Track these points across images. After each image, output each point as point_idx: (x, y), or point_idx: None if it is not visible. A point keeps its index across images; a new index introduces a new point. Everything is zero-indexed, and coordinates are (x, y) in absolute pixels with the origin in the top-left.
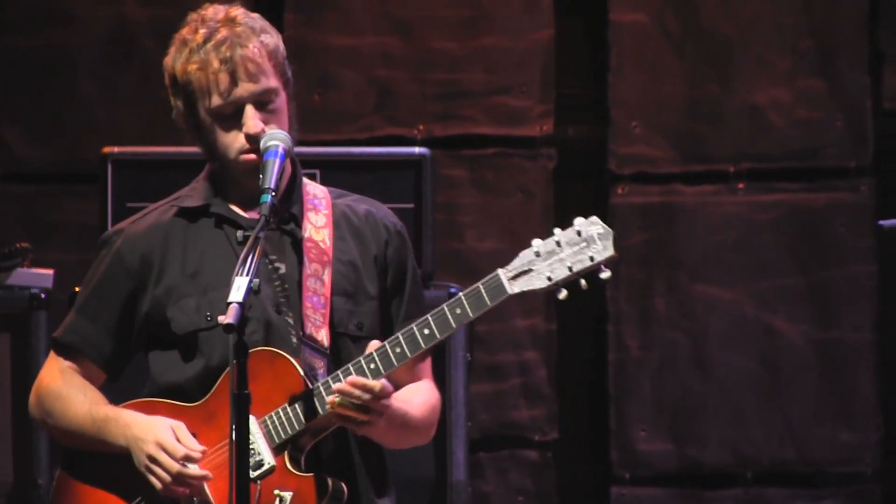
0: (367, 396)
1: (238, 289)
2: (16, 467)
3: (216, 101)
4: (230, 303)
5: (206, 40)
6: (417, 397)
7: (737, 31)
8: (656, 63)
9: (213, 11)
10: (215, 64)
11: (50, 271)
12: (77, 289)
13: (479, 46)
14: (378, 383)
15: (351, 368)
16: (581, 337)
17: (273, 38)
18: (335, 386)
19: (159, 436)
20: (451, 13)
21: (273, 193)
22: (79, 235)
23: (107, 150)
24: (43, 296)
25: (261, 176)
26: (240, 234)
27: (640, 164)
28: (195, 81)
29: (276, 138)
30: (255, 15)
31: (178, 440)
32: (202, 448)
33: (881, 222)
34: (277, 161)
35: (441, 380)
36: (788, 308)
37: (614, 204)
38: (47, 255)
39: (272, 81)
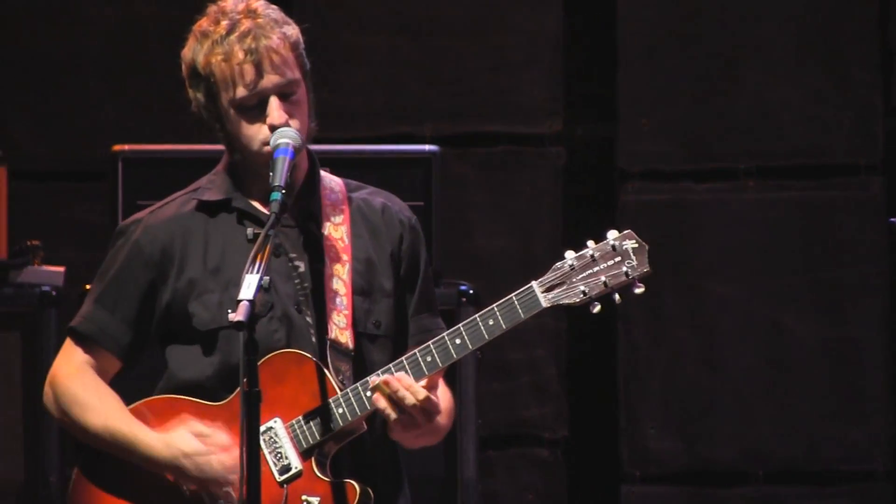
0: (411, 400)
1: (248, 286)
2: (27, 465)
3: (240, 92)
4: (240, 300)
5: (229, 31)
6: (443, 401)
7: (746, 28)
8: (666, 61)
9: (234, 3)
10: (239, 55)
11: (60, 269)
12: (87, 287)
13: (488, 44)
14: (425, 393)
15: (392, 369)
16: (590, 335)
17: (294, 30)
18: (383, 377)
19: (185, 447)
20: (460, 11)
21: (283, 191)
22: (89, 233)
23: (117, 148)
24: (54, 293)
25: (271, 174)
26: (250, 231)
27: (650, 161)
28: (218, 73)
29: (286, 136)
30: (274, 7)
31: (203, 443)
32: (227, 443)
33: (892, 220)
34: (287, 158)
35: (451, 378)
36: (798, 306)
37: (623, 202)
38: (57, 253)
39: (295, 73)
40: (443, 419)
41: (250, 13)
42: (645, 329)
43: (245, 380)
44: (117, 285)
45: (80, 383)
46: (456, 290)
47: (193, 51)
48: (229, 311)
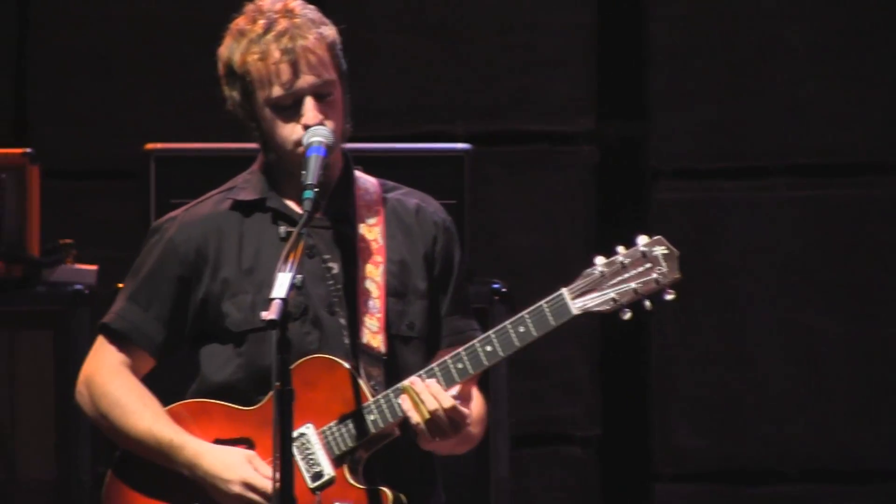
0: (434, 405)
1: (281, 285)
2: (59, 465)
3: (276, 91)
4: (272, 298)
5: (266, 30)
6: (475, 410)
7: (777, 26)
8: (697, 58)
9: (271, 2)
10: (276, 54)
11: (93, 268)
12: (120, 285)
13: (520, 42)
14: (452, 401)
15: (424, 376)
16: (622, 333)
17: (331, 30)
18: (410, 380)
19: (243, 474)
20: (491, 8)
21: (316, 189)
22: (121, 232)
23: (149, 146)
24: (86, 292)
25: (303, 172)
26: (282, 230)
27: (681, 160)
28: (254, 72)
29: (319, 135)
30: (312, 7)
31: (257, 471)
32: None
33: None
34: (320, 157)
35: (483, 377)
36: (828, 304)
37: (655, 200)
38: (90, 252)
39: (331, 74)
40: (475, 428)
41: (287, 13)
42: (676, 327)
43: (278, 379)
44: (151, 283)
45: (119, 385)
46: (488, 289)
47: (230, 49)
48: (263, 313)
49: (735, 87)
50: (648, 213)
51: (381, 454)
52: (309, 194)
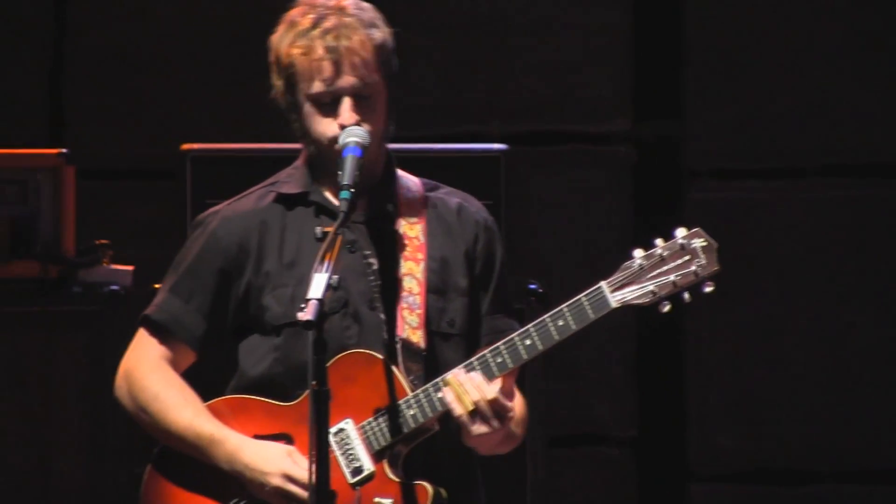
0: (477, 395)
1: (317, 285)
2: (93, 465)
3: (316, 87)
4: (309, 299)
5: (314, 26)
6: (517, 409)
7: (813, 25)
8: (733, 58)
9: None
10: (320, 51)
11: (129, 268)
12: (156, 286)
13: (556, 42)
14: (495, 392)
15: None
16: (659, 333)
17: (380, 33)
18: (452, 372)
19: (283, 467)
20: (528, 8)
21: (352, 190)
22: (157, 232)
23: (186, 146)
24: (122, 293)
25: (339, 173)
26: (318, 230)
27: (717, 159)
28: (298, 65)
29: (355, 135)
30: (367, 5)
31: (297, 464)
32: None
33: None
34: (355, 157)
35: (519, 378)
36: (864, 304)
37: (690, 199)
38: (126, 252)
39: (374, 76)
40: (517, 428)
41: (339, 10)
42: (712, 328)
43: (314, 379)
44: (192, 275)
45: (159, 379)
46: (524, 289)
47: (280, 39)
48: (303, 306)
49: (770, 86)
50: (684, 213)
51: (421, 449)
52: (345, 195)
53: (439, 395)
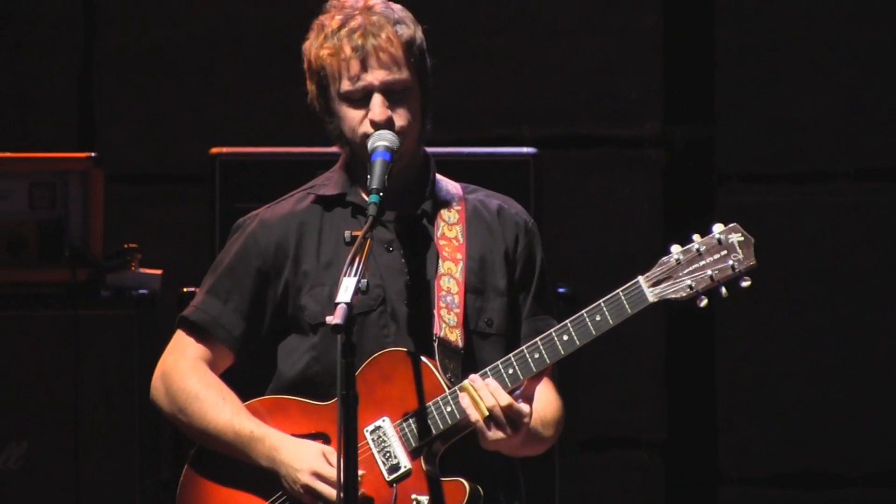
0: (492, 401)
1: (346, 289)
2: (118, 471)
3: (346, 85)
4: (338, 303)
5: (341, 27)
6: (550, 412)
7: (843, 29)
8: (764, 62)
9: None
10: (347, 51)
11: (158, 272)
12: (185, 290)
13: (587, 45)
14: (509, 399)
15: (489, 373)
16: (688, 337)
17: (409, 30)
18: (470, 377)
19: (314, 465)
20: (557, 12)
21: (380, 194)
22: (186, 236)
23: (214, 151)
24: (151, 297)
25: (368, 177)
26: (347, 234)
27: (748, 163)
28: (327, 67)
29: (384, 139)
30: (396, 5)
31: (330, 464)
32: (359, 472)
33: None
34: (384, 161)
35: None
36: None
37: (721, 203)
38: (155, 256)
39: (403, 72)
40: (547, 430)
41: (366, 10)
42: (742, 331)
43: (342, 383)
44: (231, 276)
45: (198, 380)
46: (554, 293)
47: (310, 43)
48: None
49: (800, 90)
50: (714, 216)
51: (459, 447)
52: (374, 198)
53: (458, 398)
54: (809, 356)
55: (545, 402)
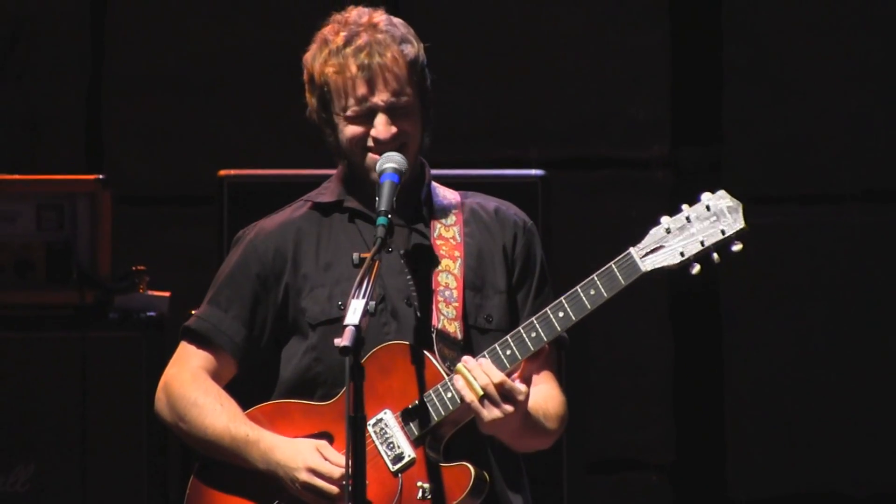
0: (485, 380)
1: (354, 311)
2: (127, 492)
3: (350, 104)
4: (346, 325)
5: (346, 44)
6: (552, 406)
7: (853, 49)
8: (771, 84)
9: (357, 14)
10: (353, 69)
11: (166, 294)
12: (193, 312)
13: (594, 66)
14: (502, 376)
15: (486, 354)
16: (697, 359)
17: (413, 48)
18: (463, 359)
19: (309, 461)
20: (565, 33)
21: (389, 216)
22: (195, 258)
23: (222, 173)
24: (159, 319)
25: (377, 199)
26: (356, 256)
27: (756, 184)
28: (332, 83)
29: (393, 161)
30: (399, 21)
31: (326, 459)
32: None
33: None
34: (393, 184)
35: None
36: None
37: None
38: (162, 278)
39: (407, 91)
40: (550, 422)
41: (371, 27)
42: (751, 352)
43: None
44: (231, 284)
45: (197, 387)
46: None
47: (313, 57)
48: (340, 303)
49: (809, 112)
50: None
51: (462, 434)
52: (383, 220)
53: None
54: (818, 377)
55: (547, 396)
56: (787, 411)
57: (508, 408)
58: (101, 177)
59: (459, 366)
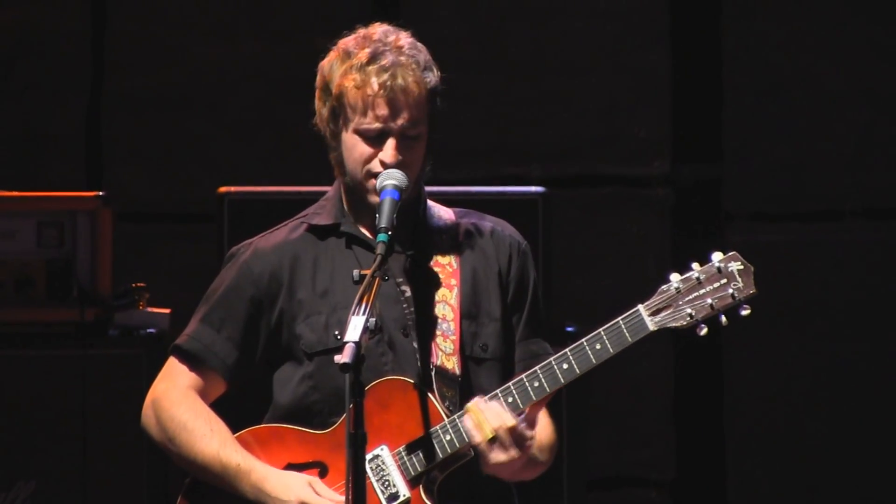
0: (497, 423)
1: (354, 328)
2: None
3: (366, 122)
4: (346, 342)
5: (370, 61)
6: (545, 437)
7: (851, 67)
8: (771, 102)
9: (383, 33)
10: (374, 87)
11: (166, 311)
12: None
13: (595, 86)
14: (514, 420)
15: (499, 394)
16: (698, 377)
17: (433, 77)
18: (474, 400)
19: (301, 495)
20: (566, 52)
21: (389, 232)
22: (195, 275)
23: (223, 189)
24: (159, 336)
25: (377, 216)
26: (356, 273)
27: (757, 202)
28: (349, 97)
29: (393, 178)
30: (422, 46)
31: (317, 494)
32: (341, 499)
33: None
34: (393, 200)
35: (559, 420)
36: None
37: (730, 242)
38: (162, 295)
39: (421, 119)
40: (543, 454)
41: (397, 49)
42: (752, 371)
43: (352, 422)
44: (224, 305)
45: (187, 409)
46: (562, 332)
47: (332, 67)
48: (336, 332)
49: (809, 129)
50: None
51: (457, 475)
52: (383, 237)
53: (461, 420)
54: (818, 394)
55: (540, 427)
56: (788, 429)
57: (515, 453)
58: (101, 194)
59: (471, 406)
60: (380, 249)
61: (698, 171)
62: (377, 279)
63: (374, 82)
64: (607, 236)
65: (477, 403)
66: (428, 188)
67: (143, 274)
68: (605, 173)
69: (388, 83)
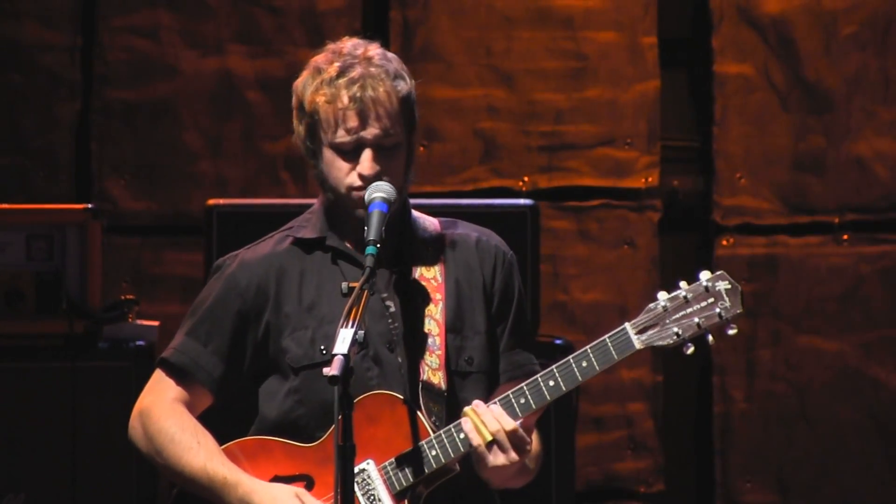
0: (496, 426)
1: (343, 340)
2: None
3: (339, 136)
4: (334, 355)
5: (339, 75)
6: (533, 446)
7: (841, 82)
8: (761, 114)
9: (352, 46)
10: (345, 101)
11: (155, 323)
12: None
13: (584, 98)
14: (514, 423)
15: (497, 402)
16: (686, 388)
17: (405, 85)
18: (475, 403)
19: None
20: (555, 65)
21: (377, 245)
22: (183, 288)
23: (212, 202)
24: (148, 348)
25: (365, 228)
26: (344, 285)
27: (745, 215)
28: (322, 113)
29: (381, 190)
30: (393, 56)
31: None
32: None
33: None
34: (382, 213)
35: (547, 433)
36: (894, 360)
37: (719, 255)
38: (151, 308)
39: (396, 128)
40: (531, 462)
41: (366, 60)
42: (740, 382)
43: (341, 435)
44: (211, 318)
45: (175, 421)
46: (551, 344)
47: (304, 85)
48: (322, 347)
49: (799, 142)
50: (712, 268)
51: (441, 489)
52: (371, 250)
53: (461, 435)
54: (807, 407)
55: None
56: (777, 442)
57: (514, 455)
58: (90, 206)
59: (469, 409)
60: (369, 262)
61: (687, 183)
62: (365, 292)
63: (345, 95)
64: (596, 248)
65: (476, 406)
66: (416, 201)
67: (132, 286)
68: (593, 185)
69: (358, 95)
